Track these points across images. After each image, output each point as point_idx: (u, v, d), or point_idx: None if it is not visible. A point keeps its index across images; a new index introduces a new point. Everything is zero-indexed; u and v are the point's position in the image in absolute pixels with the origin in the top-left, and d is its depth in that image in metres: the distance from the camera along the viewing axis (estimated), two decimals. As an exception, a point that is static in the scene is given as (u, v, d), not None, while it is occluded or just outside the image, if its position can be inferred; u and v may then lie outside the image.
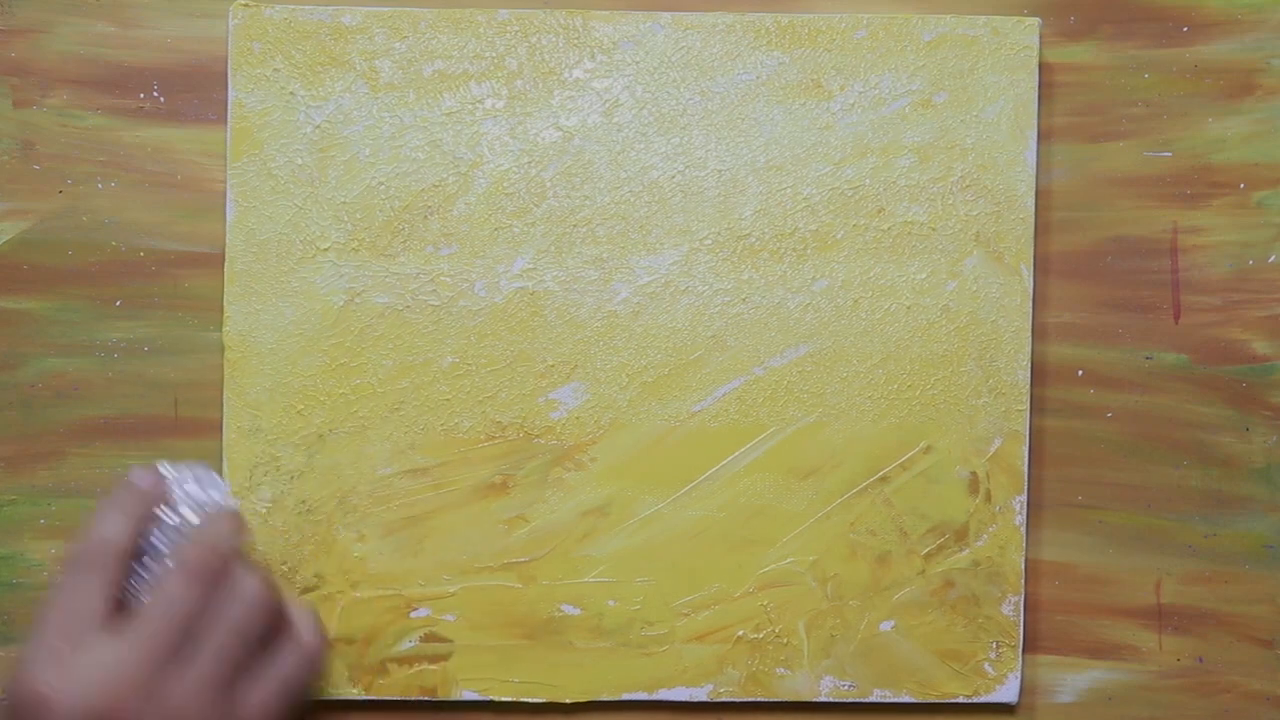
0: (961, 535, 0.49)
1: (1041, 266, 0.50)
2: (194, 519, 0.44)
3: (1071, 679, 0.51)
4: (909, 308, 0.49)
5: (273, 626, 0.44)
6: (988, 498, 0.49)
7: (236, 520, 0.44)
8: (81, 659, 0.40)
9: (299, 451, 0.48)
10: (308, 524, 0.48)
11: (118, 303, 0.50)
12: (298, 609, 0.46)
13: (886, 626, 0.49)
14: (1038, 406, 0.50)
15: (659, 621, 0.49)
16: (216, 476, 0.46)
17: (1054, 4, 0.50)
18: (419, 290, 0.49)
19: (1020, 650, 0.49)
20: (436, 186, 0.49)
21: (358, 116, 0.48)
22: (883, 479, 0.49)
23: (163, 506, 0.44)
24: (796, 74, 0.49)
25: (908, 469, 0.49)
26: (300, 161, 0.48)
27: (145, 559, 0.43)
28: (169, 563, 0.43)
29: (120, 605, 0.42)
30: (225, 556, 0.43)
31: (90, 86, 0.49)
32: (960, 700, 0.49)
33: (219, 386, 0.49)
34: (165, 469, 0.45)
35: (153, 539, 0.43)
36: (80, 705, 0.39)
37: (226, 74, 0.49)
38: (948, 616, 0.49)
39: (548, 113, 0.49)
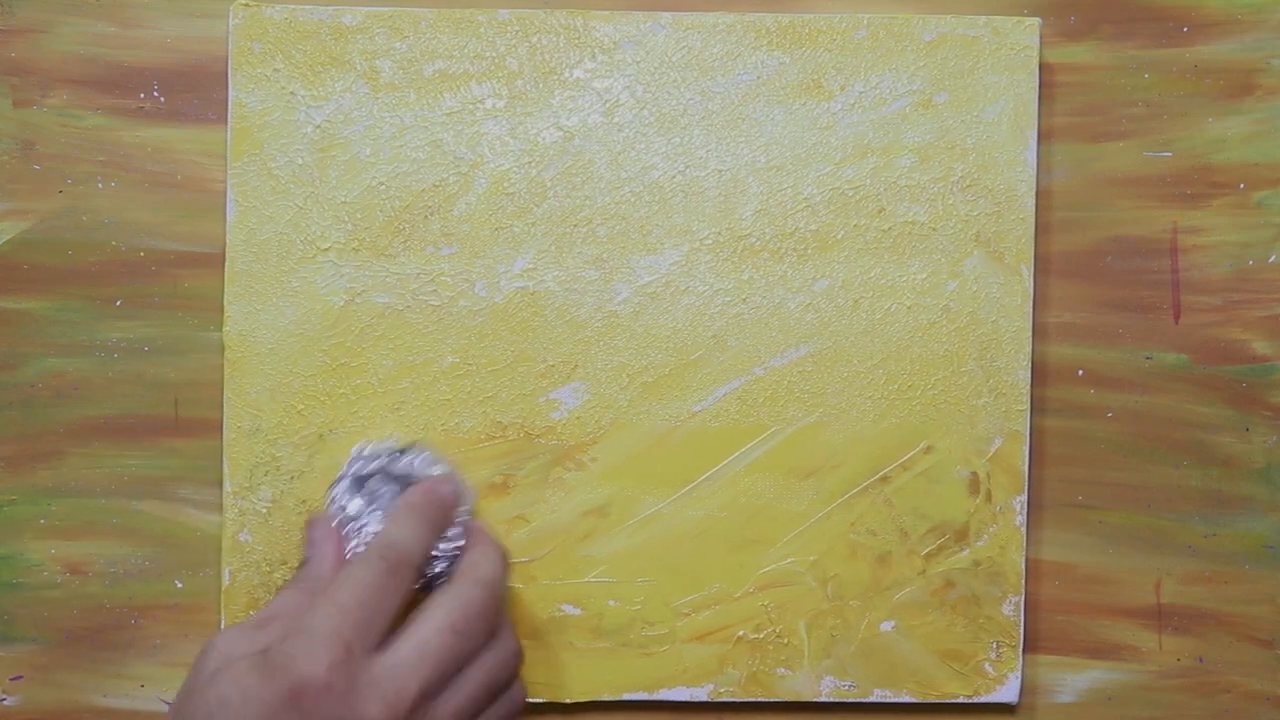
0: (962, 535, 0.49)
1: (1041, 266, 0.50)
2: (461, 540, 0.44)
3: (1071, 679, 0.51)
4: (909, 308, 0.49)
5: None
6: (988, 498, 0.49)
7: (502, 554, 0.44)
8: (370, 667, 0.39)
9: (299, 451, 0.48)
10: (308, 524, 0.48)
11: (118, 303, 0.50)
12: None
13: (887, 626, 0.49)
14: (1038, 406, 0.50)
15: (659, 621, 0.49)
16: (439, 457, 0.46)
17: (1054, 4, 0.50)
18: (419, 290, 0.49)
19: (1020, 650, 0.49)
20: (437, 186, 0.49)
21: (358, 116, 0.48)
22: (883, 479, 0.49)
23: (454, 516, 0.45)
24: (797, 74, 0.49)
25: (908, 469, 0.49)
26: (300, 161, 0.48)
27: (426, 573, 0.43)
28: (454, 596, 0.42)
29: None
30: (500, 602, 0.43)
31: (90, 86, 0.49)
32: (960, 700, 0.49)
33: (219, 386, 0.49)
34: (428, 461, 0.46)
35: (434, 554, 0.44)
36: (360, 713, 0.38)
37: (227, 74, 0.48)
38: (948, 616, 0.49)
39: (548, 113, 0.49)
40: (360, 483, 0.45)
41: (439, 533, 0.44)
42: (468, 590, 0.42)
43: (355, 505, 0.45)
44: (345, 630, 0.39)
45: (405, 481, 0.45)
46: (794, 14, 0.49)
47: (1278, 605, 0.51)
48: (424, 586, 0.43)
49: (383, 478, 0.45)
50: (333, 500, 0.45)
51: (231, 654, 0.39)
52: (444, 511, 0.44)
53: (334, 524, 0.44)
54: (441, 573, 0.44)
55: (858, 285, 0.49)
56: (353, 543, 0.44)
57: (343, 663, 0.38)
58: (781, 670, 0.49)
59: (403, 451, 0.46)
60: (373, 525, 0.44)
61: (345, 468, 0.46)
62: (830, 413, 0.49)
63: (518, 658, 0.43)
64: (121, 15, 0.50)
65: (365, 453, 0.46)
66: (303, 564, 0.44)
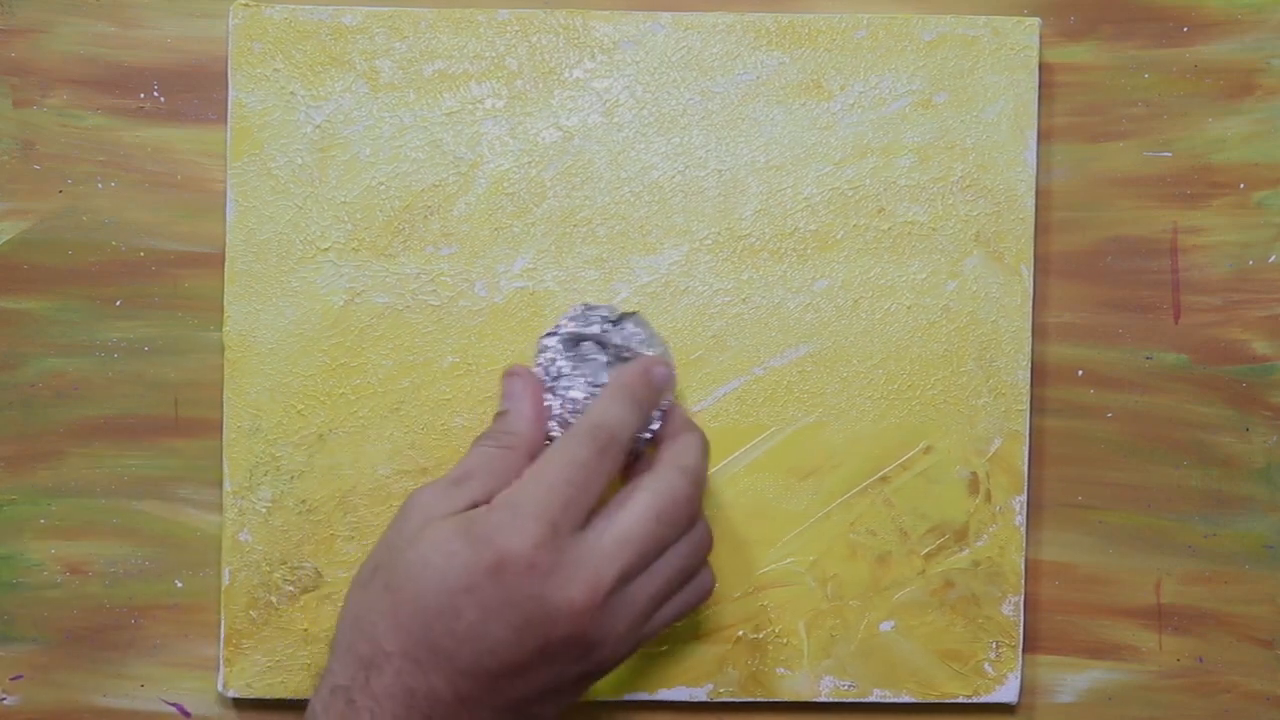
0: (961, 535, 0.49)
1: (1041, 266, 0.50)
2: (658, 424, 0.43)
3: (1071, 679, 0.51)
4: (909, 308, 0.49)
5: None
6: (988, 498, 0.49)
7: (704, 442, 0.43)
8: (573, 547, 0.39)
9: (299, 451, 0.48)
10: (308, 524, 0.48)
11: (118, 303, 0.50)
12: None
13: (886, 626, 0.49)
14: (1038, 406, 0.50)
15: (659, 621, 0.49)
16: (654, 332, 0.45)
17: (1054, 4, 0.50)
18: (419, 290, 0.49)
19: (1020, 650, 0.49)
20: (437, 186, 0.49)
21: (358, 116, 0.48)
22: (883, 479, 0.49)
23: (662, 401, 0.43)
24: (796, 74, 0.49)
25: (908, 469, 0.49)
26: (300, 161, 0.48)
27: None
28: (659, 482, 0.41)
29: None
30: (700, 491, 0.42)
31: (90, 86, 0.49)
32: (960, 700, 0.49)
33: (219, 386, 0.49)
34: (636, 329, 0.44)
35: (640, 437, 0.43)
36: (561, 594, 0.38)
37: (226, 74, 0.49)
38: (948, 616, 0.49)
39: (548, 113, 0.49)
40: (574, 342, 0.44)
41: (647, 416, 0.43)
42: (672, 477, 0.41)
43: (563, 364, 0.43)
44: (552, 509, 0.39)
45: (619, 353, 0.44)
46: (794, 14, 0.49)
47: (1278, 605, 0.51)
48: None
49: (597, 343, 0.44)
50: (542, 350, 0.44)
51: (432, 512, 0.39)
52: (654, 395, 0.43)
53: (537, 379, 0.43)
54: (639, 453, 0.43)
55: (857, 285, 0.49)
56: (553, 400, 0.43)
57: (548, 541, 0.38)
58: (781, 670, 0.49)
59: (620, 320, 0.45)
60: (577, 390, 0.43)
61: (560, 322, 0.44)
62: (830, 413, 0.49)
63: (708, 545, 0.43)
64: (121, 15, 0.50)
65: (585, 313, 0.45)
66: (499, 415, 0.43)
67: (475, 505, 0.40)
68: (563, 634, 0.38)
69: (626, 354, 0.44)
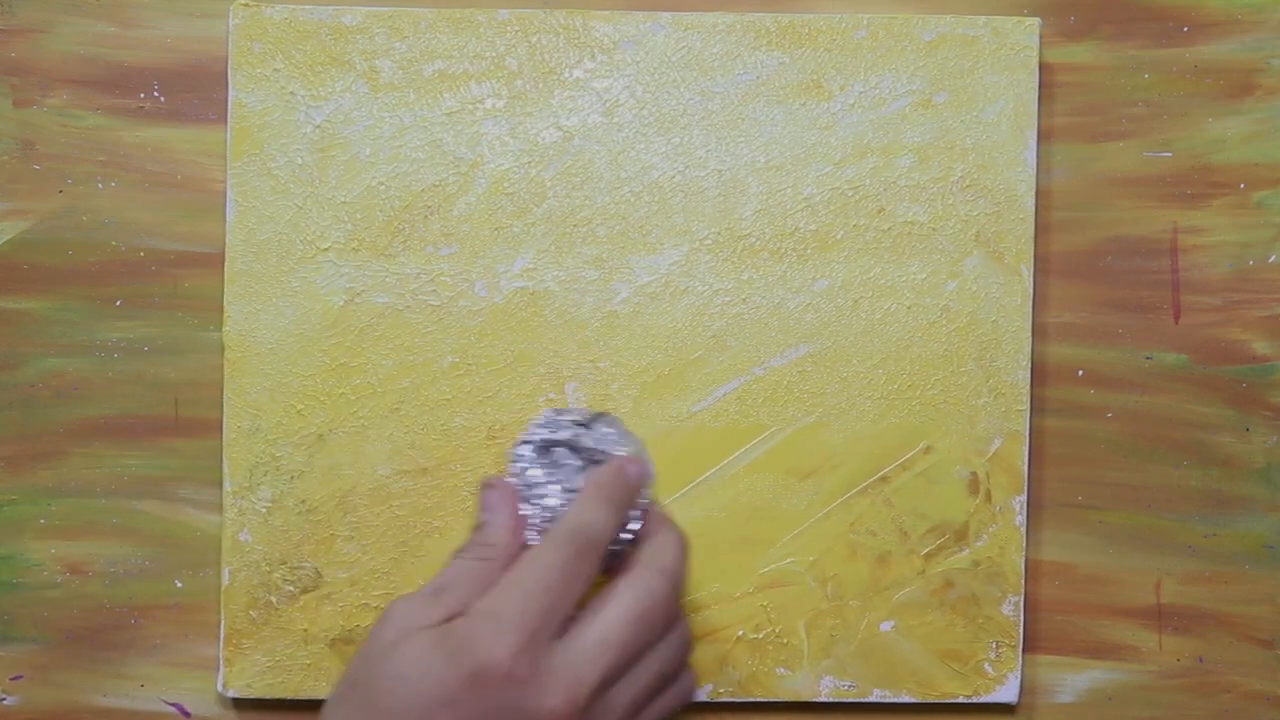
0: (961, 535, 0.49)
1: (1041, 266, 0.50)
2: (639, 524, 0.43)
3: (1071, 679, 0.51)
4: (909, 308, 0.49)
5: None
6: (988, 498, 0.49)
7: (683, 542, 0.43)
8: (552, 654, 0.38)
9: (299, 451, 0.48)
10: (308, 524, 0.48)
11: (118, 303, 0.50)
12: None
13: (886, 626, 0.49)
14: (1038, 406, 0.50)
15: (659, 621, 0.49)
16: (628, 433, 0.45)
17: (1054, 4, 0.50)
18: (419, 290, 0.49)
19: (1020, 650, 0.49)
20: (436, 186, 0.49)
21: (358, 116, 0.48)
22: (883, 479, 0.49)
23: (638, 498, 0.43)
24: (796, 74, 0.49)
25: (908, 469, 0.49)
26: (300, 161, 0.48)
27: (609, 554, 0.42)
28: (637, 585, 0.41)
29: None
30: (680, 591, 0.42)
31: (90, 86, 0.49)
32: (960, 700, 0.49)
33: (219, 386, 0.49)
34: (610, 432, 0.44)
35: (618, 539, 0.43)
36: (540, 703, 0.37)
37: (226, 74, 0.49)
38: (948, 616, 0.49)
39: (548, 113, 0.49)
40: (546, 449, 0.44)
41: (624, 516, 0.42)
42: (651, 579, 0.41)
43: (538, 473, 0.43)
44: (530, 616, 0.38)
45: (591, 456, 0.44)
46: (794, 14, 0.49)
47: (1278, 605, 0.51)
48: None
49: (570, 448, 0.44)
50: (515, 460, 0.44)
51: (409, 625, 0.39)
52: (631, 495, 0.43)
53: (512, 489, 0.43)
54: (618, 553, 0.42)
55: (857, 285, 0.49)
56: (529, 509, 0.43)
57: (526, 650, 0.38)
58: (781, 670, 0.49)
59: (591, 423, 0.45)
60: (553, 498, 0.43)
61: (531, 430, 0.44)
62: (830, 413, 0.49)
63: (690, 647, 0.43)
64: (121, 15, 0.50)
65: (555, 419, 0.44)
66: (476, 528, 0.43)
67: (453, 617, 0.39)
68: None
69: (600, 456, 0.44)
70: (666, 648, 0.41)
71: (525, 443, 0.44)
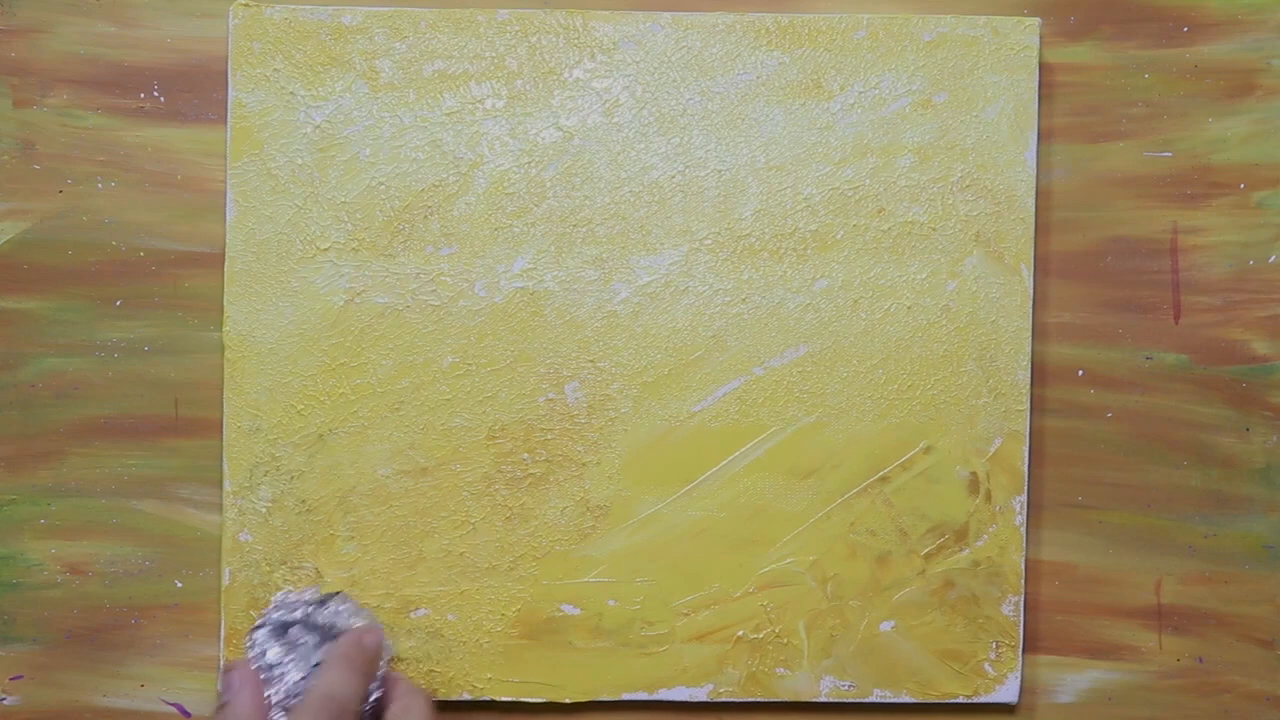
0: (961, 535, 0.49)
1: (1041, 266, 0.50)
2: (379, 691, 0.45)
3: (1071, 679, 0.51)
4: (909, 308, 0.49)
5: None
6: (988, 498, 0.49)
7: (427, 703, 0.45)
8: None
9: (299, 451, 0.48)
10: (308, 524, 0.48)
11: (118, 303, 0.50)
12: None
13: (886, 626, 0.49)
14: (1038, 406, 0.50)
15: (659, 621, 0.49)
16: (355, 605, 0.47)
17: (1054, 4, 0.50)
18: (419, 290, 0.49)
19: (1020, 650, 0.49)
20: (436, 186, 0.49)
21: (358, 116, 0.48)
22: (883, 479, 0.49)
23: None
24: (796, 74, 0.49)
25: (908, 469, 0.49)
26: (300, 161, 0.48)
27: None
28: None
29: None
30: None
31: (90, 86, 0.49)
32: (960, 700, 0.49)
33: (219, 386, 0.49)
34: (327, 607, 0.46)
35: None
36: None
37: (226, 74, 0.49)
38: (948, 616, 0.49)
39: (548, 113, 0.49)
40: (282, 630, 0.45)
41: (368, 682, 0.44)
42: None
43: (275, 653, 0.45)
44: None
45: (327, 632, 0.45)
46: (794, 14, 0.49)
47: (1278, 605, 0.51)
48: None
49: (304, 626, 0.45)
50: (253, 644, 0.45)
51: None
52: (372, 662, 0.45)
53: (253, 670, 0.44)
54: None
55: (857, 285, 0.49)
56: (271, 690, 0.44)
57: None
58: (781, 670, 0.49)
59: (324, 601, 0.46)
60: (293, 674, 0.44)
61: (267, 613, 0.46)
62: (830, 413, 0.49)
63: None
64: (121, 15, 0.50)
65: (288, 600, 0.46)
66: (219, 709, 0.44)
67: None
68: None
69: (335, 631, 0.45)
70: None
71: (260, 626, 0.46)
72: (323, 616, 0.46)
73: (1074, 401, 0.51)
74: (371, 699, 0.44)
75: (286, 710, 0.43)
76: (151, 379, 0.50)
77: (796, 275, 0.49)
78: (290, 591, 0.47)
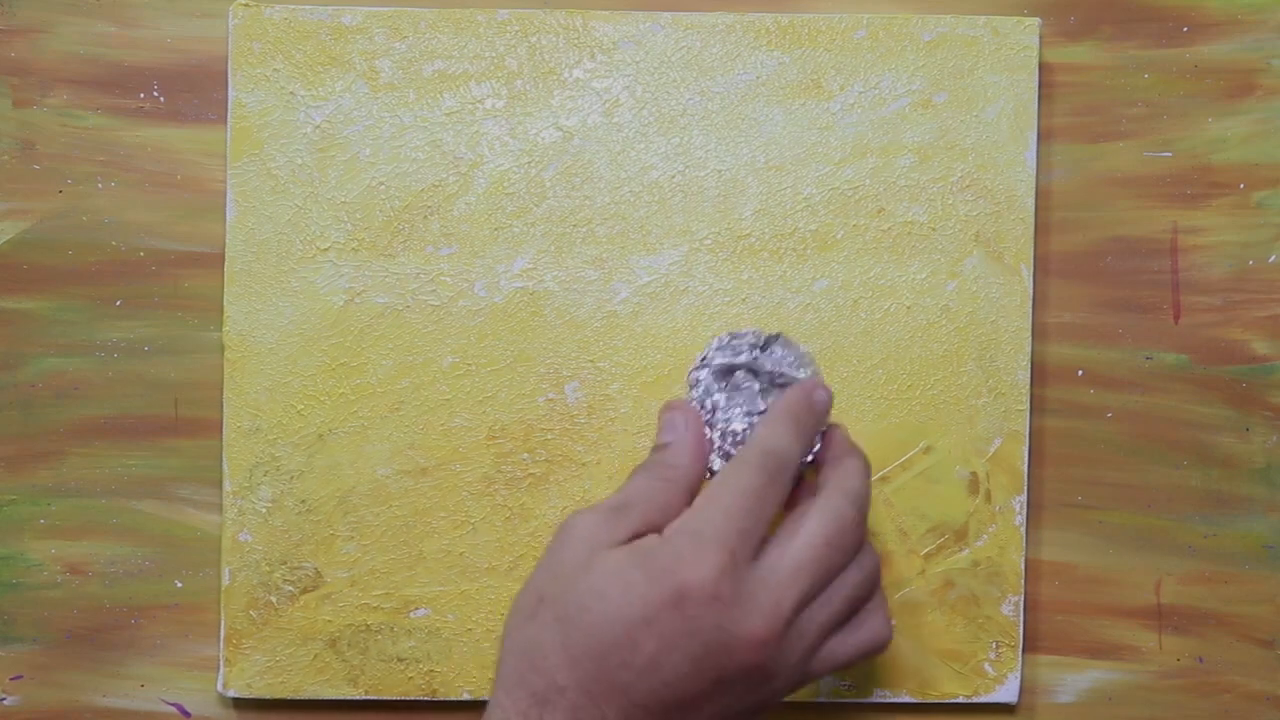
0: (961, 535, 0.49)
1: (1041, 266, 0.50)
2: (818, 446, 0.42)
3: (1071, 679, 0.51)
4: (909, 308, 0.49)
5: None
6: (988, 498, 0.49)
7: (867, 466, 0.42)
8: (754, 577, 0.38)
9: (299, 451, 0.48)
10: (308, 524, 0.48)
11: (118, 303, 0.50)
12: (881, 594, 0.43)
13: (886, 626, 0.49)
14: (1038, 406, 0.50)
15: (659, 621, 0.49)
16: (802, 352, 0.44)
17: (1054, 4, 0.50)
18: (419, 290, 0.49)
19: (1020, 650, 0.49)
20: (436, 186, 0.49)
21: (358, 116, 0.48)
22: (883, 479, 0.49)
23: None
24: (796, 74, 0.49)
25: (908, 469, 0.49)
26: (300, 161, 0.48)
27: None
28: (826, 509, 0.40)
29: None
30: (865, 515, 0.41)
31: (90, 86, 0.49)
32: (960, 700, 0.49)
33: (219, 386, 0.49)
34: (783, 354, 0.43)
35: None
36: (742, 624, 0.37)
37: (226, 74, 0.49)
38: (948, 616, 0.49)
39: (548, 113, 0.49)
40: (725, 373, 0.43)
41: (811, 441, 0.42)
42: (839, 503, 0.40)
43: (720, 397, 0.42)
44: (731, 537, 0.38)
45: (771, 379, 0.43)
46: (794, 14, 0.49)
47: (1278, 605, 0.51)
48: None
49: (748, 371, 0.43)
50: (695, 384, 0.43)
51: (596, 541, 0.38)
52: (818, 420, 0.42)
53: (696, 412, 0.42)
54: (799, 477, 0.42)
55: (857, 285, 0.49)
56: (712, 435, 0.42)
57: (729, 570, 0.37)
58: (781, 670, 0.49)
59: (767, 345, 0.44)
60: (737, 422, 0.42)
61: (709, 353, 0.43)
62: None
63: (878, 572, 0.42)
64: (121, 15, 0.50)
65: (732, 342, 0.43)
66: (658, 448, 0.42)
67: (636, 535, 0.39)
68: (741, 665, 0.38)
69: (780, 380, 0.43)
70: (855, 571, 0.41)
71: (702, 366, 0.43)
72: (769, 362, 0.43)
73: (1074, 401, 0.51)
74: (812, 454, 0.42)
75: (725, 456, 0.42)
76: (151, 379, 0.50)
77: (796, 275, 0.49)
78: (733, 333, 0.44)
